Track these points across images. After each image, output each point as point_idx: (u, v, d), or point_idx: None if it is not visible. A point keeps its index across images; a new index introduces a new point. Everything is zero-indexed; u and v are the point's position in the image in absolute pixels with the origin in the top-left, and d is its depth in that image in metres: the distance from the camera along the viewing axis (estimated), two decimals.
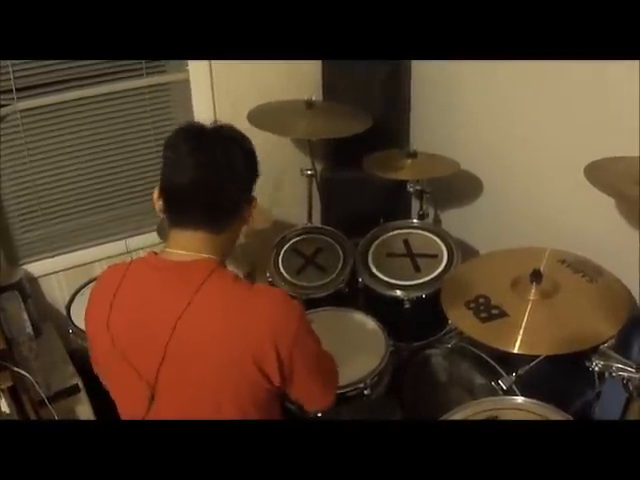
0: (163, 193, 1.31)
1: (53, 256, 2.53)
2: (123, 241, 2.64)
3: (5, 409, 1.85)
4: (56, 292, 2.57)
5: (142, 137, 2.50)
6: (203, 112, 2.54)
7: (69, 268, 2.56)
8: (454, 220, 2.78)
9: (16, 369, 1.95)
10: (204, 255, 1.29)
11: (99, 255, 2.60)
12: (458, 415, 1.77)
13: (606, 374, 1.87)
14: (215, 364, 1.25)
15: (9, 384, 1.88)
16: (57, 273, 2.55)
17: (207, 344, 1.25)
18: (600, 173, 1.68)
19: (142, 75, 2.36)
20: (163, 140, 2.47)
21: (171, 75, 2.44)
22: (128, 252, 2.60)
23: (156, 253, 1.34)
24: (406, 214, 2.93)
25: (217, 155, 1.27)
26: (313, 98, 2.42)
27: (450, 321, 2.22)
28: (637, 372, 1.76)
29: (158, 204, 1.32)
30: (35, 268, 2.51)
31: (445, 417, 1.76)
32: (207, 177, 1.26)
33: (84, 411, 2.27)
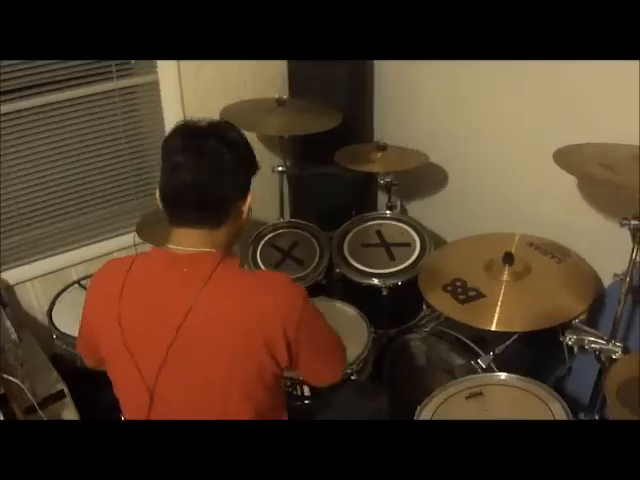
0: (160, 192, 1.34)
1: (29, 263, 2.50)
2: (97, 244, 2.64)
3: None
4: (32, 299, 2.55)
5: (114, 140, 2.50)
6: (172, 113, 2.56)
7: (44, 274, 2.54)
8: (419, 211, 2.86)
9: (5, 376, 1.95)
10: (207, 249, 1.33)
11: (74, 260, 2.59)
12: (443, 395, 1.86)
13: (575, 349, 2.00)
14: (226, 352, 1.30)
15: (1, 392, 1.88)
16: (32, 280, 2.52)
17: (218, 333, 1.29)
18: (568, 158, 1.79)
19: (112, 78, 2.37)
20: (134, 142, 2.52)
21: (140, 77, 2.45)
22: (105, 255, 2.60)
23: (159, 249, 1.38)
24: (373, 207, 3.01)
25: (206, 154, 1.30)
26: (284, 97, 2.48)
27: (429, 305, 2.31)
28: (607, 343, 1.89)
29: (160, 203, 1.36)
30: (10, 276, 2.48)
31: (430, 397, 1.85)
32: (196, 177, 1.29)
33: (70, 416, 2.27)
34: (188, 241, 1.34)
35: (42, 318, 2.55)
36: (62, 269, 2.58)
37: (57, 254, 2.57)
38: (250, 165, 1.40)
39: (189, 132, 1.34)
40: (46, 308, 2.38)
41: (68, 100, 2.32)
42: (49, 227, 2.52)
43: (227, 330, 1.29)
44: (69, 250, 2.59)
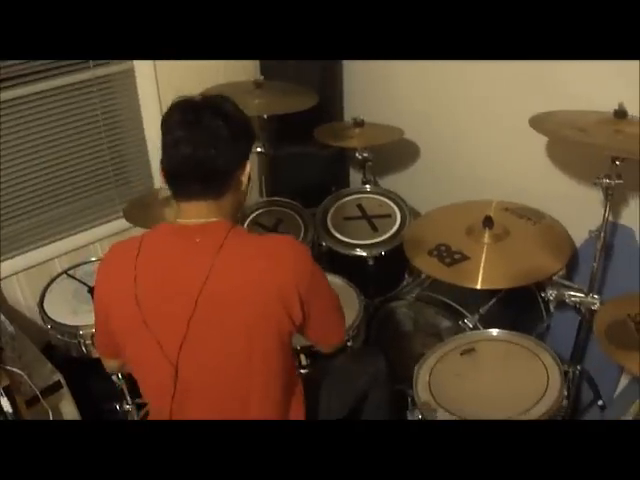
0: (163, 169, 1.39)
1: (13, 257, 2.49)
2: (79, 235, 2.64)
3: (8, 408, 1.86)
4: (18, 293, 2.54)
5: (93, 128, 2.50)
6: (149, 100, 2.58)
7: (28, 268, 2.53)
8: (392, 187, 2.92)
9: (9, 367, 1.95)
10: (215, 219, 1.39)
11: (57, 252, 2.59)
12: (438, 353, 1.96)
13: (552, 307, 2.13)
14: (247, 315, 1.35)
15: (7, 383, 1.89)
16: (17, 274, 2.51)
17: (238, 297, 1.34)
18: (542, 124, 1.91)
19: (89, 67, 2.37)
20: (112, 131, 2.53)
21: (116, 66, 2.46)
22: (87, 244, 2.62)
23: (168, 224, 1.43)
24: (346, 184, 3.09)
25: (203, 128, 1.34)
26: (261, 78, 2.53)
27: (412, 272, 2.42)
28: (587, 296, 2.03)
29: (163, 179, 1.40)
30: None
31: (425, 357, 1.95)
32: (196, 151, 1.33)
33: (68, 406, 2.29)
34: (196, 213, 1.38)
35: (29, 312, 2.56)
36: (46, 261, 2.57)
37: (40, 247, 2.56)
38: (247, 134, 1.44)
39: (186, 107, 1.37)
40: (32, 301, 2.38)
41: (46, 91, 2.32)
42: (30, 220, 2.51)
43: (246, 292, 1.34)
44: (52, 242, 2.59)
